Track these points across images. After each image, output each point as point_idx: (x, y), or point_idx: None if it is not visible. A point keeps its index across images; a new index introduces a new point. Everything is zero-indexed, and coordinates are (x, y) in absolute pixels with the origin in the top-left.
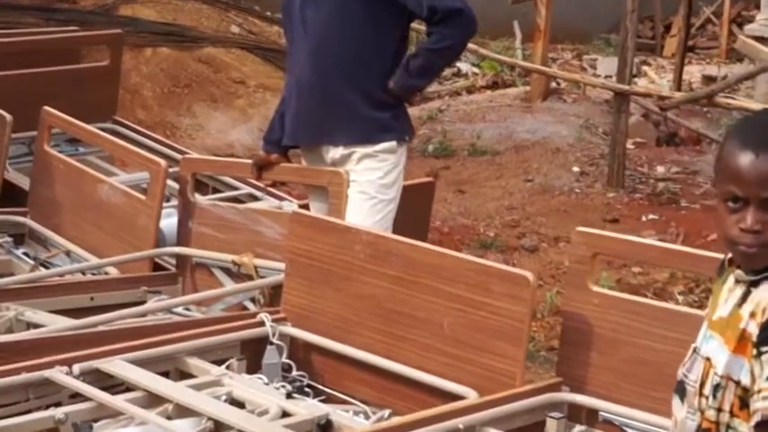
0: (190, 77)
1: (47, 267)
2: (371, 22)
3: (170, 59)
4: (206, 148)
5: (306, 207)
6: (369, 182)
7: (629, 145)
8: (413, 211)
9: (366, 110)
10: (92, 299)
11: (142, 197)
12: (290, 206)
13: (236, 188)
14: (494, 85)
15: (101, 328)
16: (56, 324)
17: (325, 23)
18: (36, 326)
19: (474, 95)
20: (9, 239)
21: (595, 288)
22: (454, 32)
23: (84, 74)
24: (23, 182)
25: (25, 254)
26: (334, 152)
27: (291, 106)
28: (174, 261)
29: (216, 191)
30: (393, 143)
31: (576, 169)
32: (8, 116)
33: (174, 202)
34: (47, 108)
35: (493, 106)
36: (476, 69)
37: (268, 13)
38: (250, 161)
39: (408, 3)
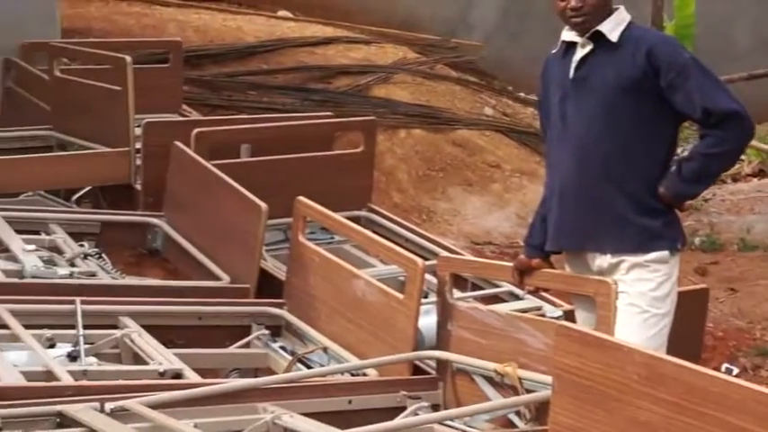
0: (444, 160)
1: (304, 363)
2: (640, 122)
3: (424, 142)
4: (463, 235)
5: (571, 313)
6: (640, 294)
7: None
8: (686, 319)
9: (635, 217)
10: (350, 402)
11: (399, 296)
12: (553, 312)
13: (496, 285)
14: (760, 173)
15: None
16: None
17: (588, 122)
18: None
19: (740, 184)
20: (266, 332)
21: None
22: (730, 136)
23: (339, 160)
24: (280, 269)
25: (282, 348)
26: (602, 260)
27: (554, 209)
28: (433, 363)
29: (475, 286)
30: (665, 253)
31: None
32: (263, 205)
33: (432, 297)
34: (301, 198)
35: (762, 197)
36: (741, 156)
37: (521, 94)
38: (511, 264)
39: (681, 104)
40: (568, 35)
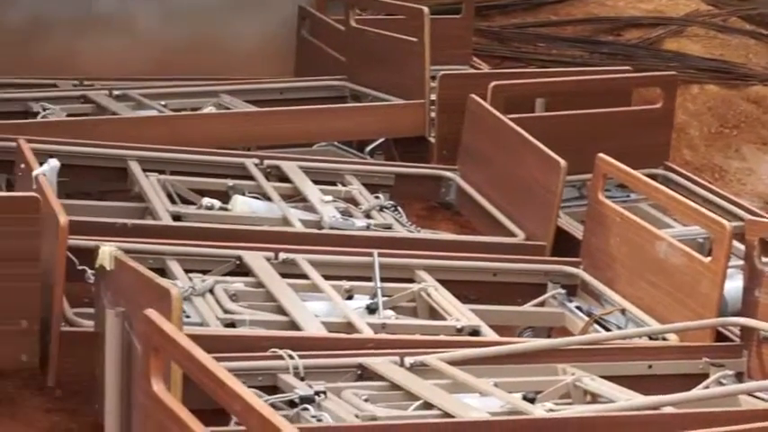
0: (738, 117)
1: (600, 324)
2: None
3: (717, 98)
4: (757, 195)
5: None
6: None
7: None
8: None
9: None
10: (650, 367)
11: (705, 259)
12: None
13: None
14: None
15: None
16: (617, 398)
17: None
18: (593, 395)
19: None
20: (562, 291)
21: None
22: None
23: (635, 116)
24: (574, 228)
25: (578, 308)
26: None
27: None
28: (736, 330)
29: None
30: None
31: None
32: (562, 162)
33: (734, 261)
34: (602, 156)
35: None
36: None
37: None
38: None
39: None
40: None
